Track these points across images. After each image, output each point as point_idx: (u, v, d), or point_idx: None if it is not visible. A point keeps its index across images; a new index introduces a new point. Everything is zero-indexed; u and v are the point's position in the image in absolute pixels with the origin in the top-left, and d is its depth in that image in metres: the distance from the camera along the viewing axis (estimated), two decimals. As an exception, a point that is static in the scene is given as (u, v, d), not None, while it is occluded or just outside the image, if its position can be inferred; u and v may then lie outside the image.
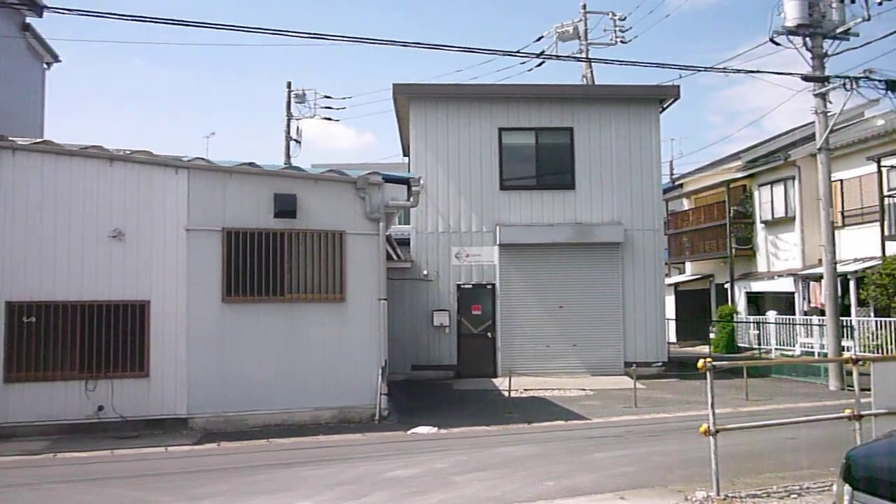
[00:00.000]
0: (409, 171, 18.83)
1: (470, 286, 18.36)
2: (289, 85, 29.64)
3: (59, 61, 18.53)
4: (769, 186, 24.57)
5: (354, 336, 12.27)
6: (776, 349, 21.49)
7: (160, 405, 11.47)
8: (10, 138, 11.50)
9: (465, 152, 18.50)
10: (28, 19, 16.78)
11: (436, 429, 11.59)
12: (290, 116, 29.72)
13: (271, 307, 12.00)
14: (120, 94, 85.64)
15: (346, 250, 12.34)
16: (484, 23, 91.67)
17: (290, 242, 12.12)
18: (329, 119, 30.96)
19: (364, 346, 12.27)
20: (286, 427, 11.70)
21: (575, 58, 25.87)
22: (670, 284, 28.12)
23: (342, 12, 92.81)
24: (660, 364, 18.29)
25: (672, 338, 26.26)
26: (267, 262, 11.98)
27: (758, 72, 21.03)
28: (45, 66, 18.29)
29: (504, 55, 23.00)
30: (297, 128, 29.93)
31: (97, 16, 10.85)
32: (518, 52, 26.54)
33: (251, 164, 12.10)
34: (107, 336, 11.34)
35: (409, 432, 11.41)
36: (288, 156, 29.36)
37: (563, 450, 9.88)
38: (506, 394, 14.22)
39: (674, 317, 28.59)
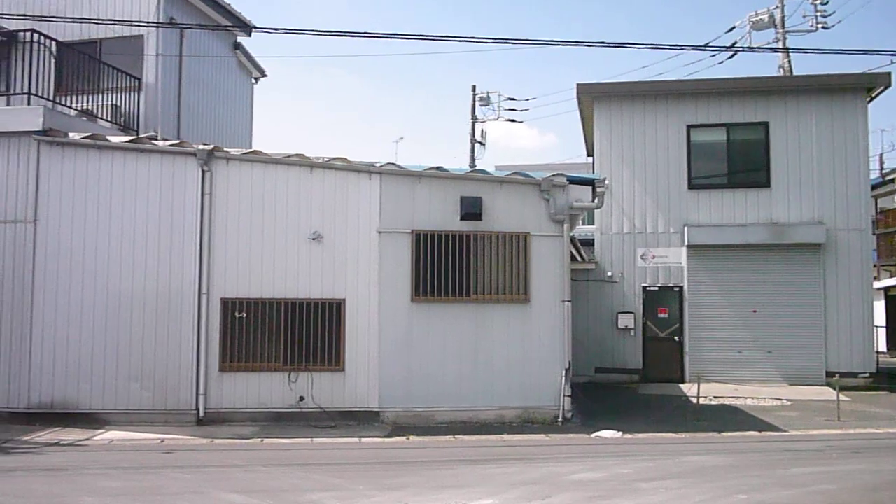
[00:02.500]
0: (593, 172, 18.67)
1: (656, 288, 17.90)
2: (473, 88, 30.24)
3: (266, 76, 20.07)
4: None
5: (538, 337, 12.35)
6: None
7: (354, 398, 12.13)
8: (225, 149, 12.60)
9: (651, 151, 18.06)
10: (239, 39, 18.30)
11: (620, 433, 11.43)
12: (474, 119, 30.30)
13: (457, 307, 12.33)
14: (316, 102, 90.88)
15: (531, 252, 12.44)
16: (671, 16, 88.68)
17: (475, 244, 12.40)
18: (513, 121, 31.30)
19: (548, 347, 12.31)
20: (471, 425, 11.99)
21: (771, 49, 24.48)
22: (879, 289, 25.90)
23: (527, 16, 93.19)
24: (866, 375, 16.93)
25: (881, 347, 24.18)
26: (453, 263, 12.33)
27: None
28: (253, 80, 19.87)
29: (692, 50, 22.13)
30: (482, 130, 30.48)
31: (298, 33, 11.65)
32: (707, 45, 25.45)
33: (439, 168, 12.49)
34: (307, 332, 12.15)
35: (593, 435, 11.33)
36: (472, 157, 29.95)
37: (755, 462, 9.42)
38: (694, 400, 13.74)
39: (884, 324, 26.30)
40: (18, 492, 7.94)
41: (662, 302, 17.88)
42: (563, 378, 12.18)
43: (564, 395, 12.13)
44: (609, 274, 18.01)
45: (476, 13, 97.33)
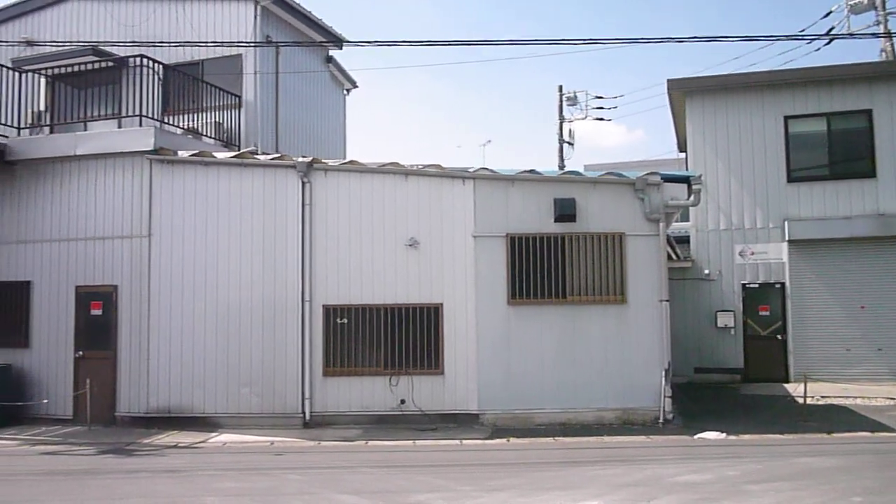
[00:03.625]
0: (685, 168, 18.35)
1: (756, 285, 17.44)
2: (560, 88, 30.09)
3: (357, 87, 20.56)
4: None
5: (636, 338, 12.26)
6: None
7: (454, 401, 12.33)
8: (323, 160, 13.03)
9: (746, 145, 17.62)
10: (331, 52, 18.84)
11: (724, 434, 11.23)
12: (562, 119, 30.15)
13: (553, 309, 12.37)
14: (405, 109, 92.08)
15: (626, 252, 12.38)
16: (762, 4, 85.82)
17: (570, 245, 12.42)
18: (601, 119, 30.99)
19: (646, 347, 12.22)
20: (570, 426, 12.00)
21: (872, 34, 23.43)
22: None
23: (613, 14, 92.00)
24: None
25: None
26: (548, 265, 12.38)
27: None
28: (345, 92, 20.40)
29: (787, 39, 21.44)
30: (569, 130, 30.28)
31: (388, 44, 11.95)
32: (802, 33, 24.55)
33: (531, 171, 12.57)
34: (406, 336, 12.43)
35: (696, 437, 11.18)
36: (561, 158, 29.81)
37: (869, 464, 9.12)
38: (800, 400, 13.35)
39: None
40: (144, 492, 8.46)
41: (763, 299, 17.40)
42: (663, 378, 12.06)
43: (665, 396, 12.01)
44: (706, 272, 17.66)
45: (560, 13, 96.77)
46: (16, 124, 14.28)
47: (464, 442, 11.16)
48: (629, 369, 12.20)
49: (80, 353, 13.13)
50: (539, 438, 11.27)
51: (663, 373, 12.09)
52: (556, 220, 12.41)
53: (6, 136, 13.93)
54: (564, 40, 13.00)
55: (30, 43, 16.48)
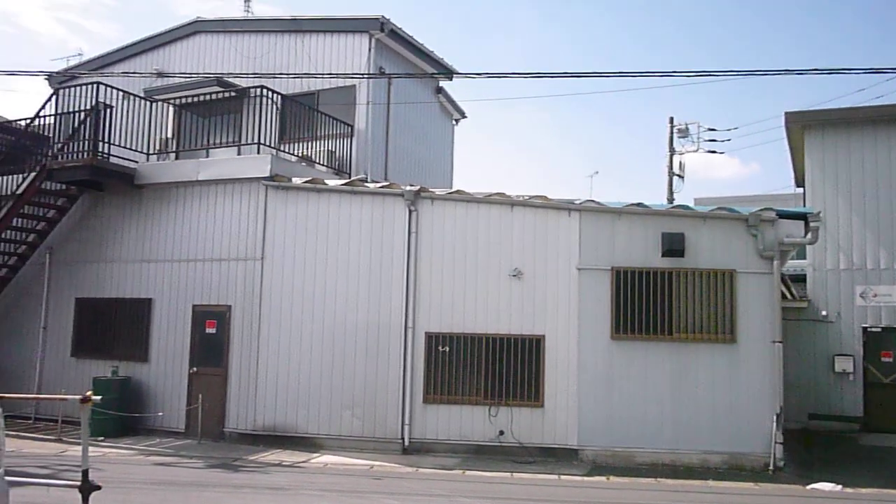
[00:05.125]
0: (803, 203, 17.63)
1: (879, 329, 16.48)
2: (671, 120, 29.47)
3: (465, 117, 20.84)
4: None
5: (746, 379, 11.79)
6: None
7: (553, 435, 12.16)
8: (430, 189, 13.24)
9: (870, 181, 16.76)
10: (441, 83, 19.19)
11: (839, 487, 10.61)
12: (672, 151, 29.51)
13: (658, 346, 12.07)
14: (511, 140, 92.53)
15: (737, 290, 11.96)
16: (889, 34, 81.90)
17: (677, 281, 12.11)
18: (713, 152, 30.16)
19: (756, 390, 11.72)
20: (673, 468, 11.62)
21: None
22: None
23: (727, 46, 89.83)
24: None
25: None
26: (654, 300, 12.10)
27: None
28: (454, 122, 20.71)
29: (918, 69, 20.31)
30: (680, 162, 29.58)
31: (497, 76, 12.08)
32: (936, 63, 23.23)
33: (639, 204, 12.37)
34: (507, 367, 12.38)
35: (808, 487, 10.61)
36: (670, 191, 29.16)
37: None
38: (927, 455, 12.48)
39: None
40: (249, 507, 8.71)
41: (887, 344, 16.41)
42: (775, 424, 11.52)
43: (776, 443, 11.46)
44: (824, 313, 16.83)
45: (674, 45, 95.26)
46: (145, 150, 15.18)
47: (562, 477, 10.98)
48: (738, 412, 11.73)
49: (194, 369, 13.72)
50: (640, 479, 10.96)
51: (775, 417, 11.56)
52: (664, 254, 12.13)
53: (136, 161, 14.83)
54: (676, 72, 12.88)
55: (160, 74, 17.53)
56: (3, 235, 14.63)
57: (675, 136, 29.56)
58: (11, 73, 15.52)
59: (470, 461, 11.89)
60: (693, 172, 70.11)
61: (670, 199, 27.55)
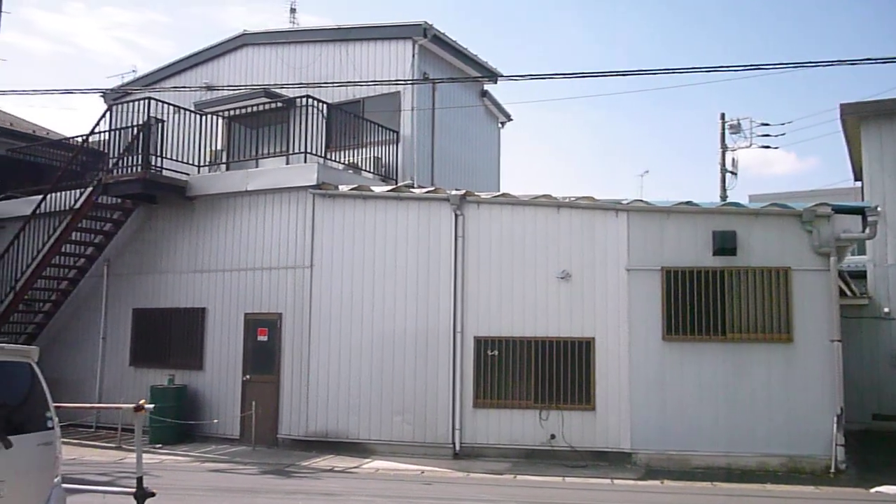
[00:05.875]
0: (862, 198, 17.11)
1: (945, 326, 15.89)
2: (722, 116, 28.93)
3: (511, 120, 20.77)
4: None
5: (803, 379, 11.48)
6: None
7: (605, 438, 12.01)
8: (476, 193, 13.22)
9: (932, 172, 16.19)
10: (486, 86, 19.16)
11: (906, 490, 10.25)
12: (724, 148, 28.95)
13: (711, 346, 11.82)
14: (559, 141, 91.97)
15: (792, 288, 11.65)
16: (953, 17, 79.01)
17: (729, 280, 11.86)
18: (767, 147, 29.51)
19: (815, 390, 11.40)
20: (730, 471, 11.35)
21: None
22: None
23: (780, 37, 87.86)
24: None
25: None
26: (706, 300, 11.87)
27: None
28: (499, 125, 20.66)
29: (982, 55, 19.56)
30: (733, 159, 29.00)
31: (542, 77, 12.01)
32: None
33: (688, 202, 12.16)
34: (556, 370, 12.27)
35: (872, 491, 10.27)
36: (723, 188, 28.60)
37: None
38: None
39: None
40: (301, 513, 8.79)
41: (954, 341, 15.81)
42: (835, 425, 11.18)
43: (837, 444, 11.12)
44: (886, 310, 16.28)
45: (724, 38, 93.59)
46: (196, 162, 15.49)
47: (615, 481, 10.83)
48: (796, 413, 11.42)
49: (248, 376, 13.92)
50: (696, 483, 10.74)
51: (835, 418, 11.22)
52: (715, 253, 11.89)
53: (187, 174, 15.15)
54: (725, 67, 12.62)
55: (209, 87, 17.87)
56: (63, 249, 15.07)
57: (727, 132, 29.00)
58: (68, 92, 15.97)
59: (521, 466, 11.81)
60: (747, 169, 68.73)
61: (723, 197, 27.02)
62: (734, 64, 14.72)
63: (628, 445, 11.91)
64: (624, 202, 12.39)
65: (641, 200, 12.46)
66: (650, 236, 12.20)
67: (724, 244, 11.80)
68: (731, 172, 28.65)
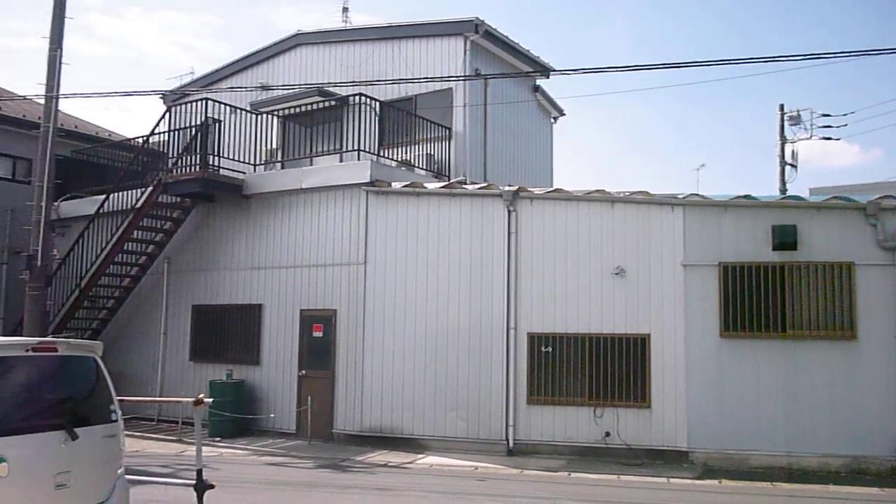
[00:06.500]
0: (930, 191, 16.49)
1: None
2: (781, 107, 28.24)
3: (564, 114, 20.61)
4: None
5: (868, 378, 11.15)
6: None
7: (661, 436, 11.84)
8: (528, 189, 13.16)
9: None
10: (538, 81, 19.05)
11: (978, 492, 9.88)
12: (783, 140, 28.25)
13: (770, 343, 11.57)
14: (612, 135, 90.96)
15: (856, 283, 11.33)
16: None
17: (789, 276, 11.58)
18: (828, 138, 28.70)
19: (880, 389, 11.07)
20: (790, 471, 11.09)
21: None
22: None
23: (841, 26, 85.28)
24: None
25: None
26: (765, 296, 11.61)
27: None
28: (552, 120, 20.52)
29: None
30: (793, 151, 28.28)
31: (594, 71, 11.87)
32: None
33: (746, 196, 11.91)
34: (611, 367, 12.14)
35: (942, 493, 9.94)
36: (782, 181, 27.91)
37: None
38: None
39: None
40: (355, 507, 8.88)
41: None
42: (902, 425, 10.84)
43: (904, 445, 10.79)
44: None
45: (782, 30, 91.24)
46: (252, 161, 15.75)
47: (671, 480, 10.68)
48: (860, 412, 11.11)
49: (303, 372, 14.11)
50: (755, 483, 10.53)
51: (902, 418, 10.88)
52: (775, 248, 11.62)
53: (244, 173, 15.41)
54: (784, 57, 12.27)
55: (264, 87, 18.14)
56: (125, 247, 15.48)
57: (787, 123, 28.31)
58: (128, 94, 16.40)
59: (575, 463, 11.73)
60: (807, 161, 66.81)
61: (782, 190, 26.40)
62: (793, 53, 14.28)
63: (685, 444, 11.73)
64: (680, 196, 12.20)
65: (698, 194, 12.25)
66: (707, 231, 11.98)
67: (785, 239, 11.52)
68: (791, 165, 27.96)
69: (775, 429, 11.37)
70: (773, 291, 11.59)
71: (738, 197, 11.96)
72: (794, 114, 28.44)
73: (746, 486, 10.36)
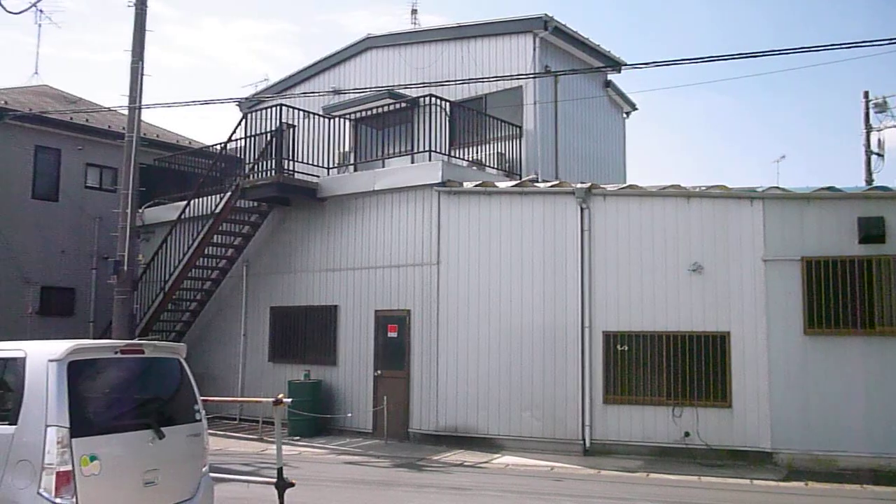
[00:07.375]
0: None
1: None
2: (866, 95, 27.13)
3: (636, 109, 20.27)
4: None
5: (965, 376, 10.62)
6: None
7: (743, 437, 11.53)
8: (601, 185, 12.99)
9: None
10: (609, 76, 18.79)
11: None
12: (868, 129, 27.12)
13: (858, 340, 11.13)
14: (688, 129, 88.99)
15: (950, 277, 10.81)
16: None
17: (878, 270, 11.12)
18: (918, 125, 27.42)
19: (979, 388, 10.53)
20: (880, 473, 10.63)
21: None
22: None
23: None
24: None
25: None
26: (851, 291, 11.17)
27: None
28: (624, 115, 20.22)
29: None
30: (878, 140, 27.12)
31: (668, 64, 11.65)
32: None
33: (830, 188, 11.50)
34: (689, 365, 11.89)
35: None
36: (868, 172, 26.80)
37: None
38: None
39: None
40: (432, 506, 8.94)
41: None
42: None
43: None
44: None
45: (867, 12, 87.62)
46: (326, 164, 16.01)
47: (755, 482, 10.38)
48: (957, 412, 10.58)
49: (379, 372, 14.27)
50: (844, 485, 10.15)
51: None
52: (861, 241, 11.18)
53: (318, 176, 15.68)
54: (868, 42, 11.74)
55: (336, 92, 18.40)
56: (206, 251, 15.94)
57: (872, 111, 27.18)
58: (206, 102, 16.89)
59: (653, 463, 11.53)
60: (894, 150, 63.99)
61: (868, 181, 25.40)
62: (877, 38, 13.64)
63: (768, 445, 11.39)
64: (759, 190, 11.85)
65: (778, 187, 11.88)
66: (788, 225, 11.61)
67: (872, 231, 11.07)
68: (878, 154, 26.85)
69: (864, 429, 10.93)
70: (860, 286, 11.15)
71: (822, 189, 11.55)
72: (880, 101, 27.26)
73: (834, 488, 10.01)
